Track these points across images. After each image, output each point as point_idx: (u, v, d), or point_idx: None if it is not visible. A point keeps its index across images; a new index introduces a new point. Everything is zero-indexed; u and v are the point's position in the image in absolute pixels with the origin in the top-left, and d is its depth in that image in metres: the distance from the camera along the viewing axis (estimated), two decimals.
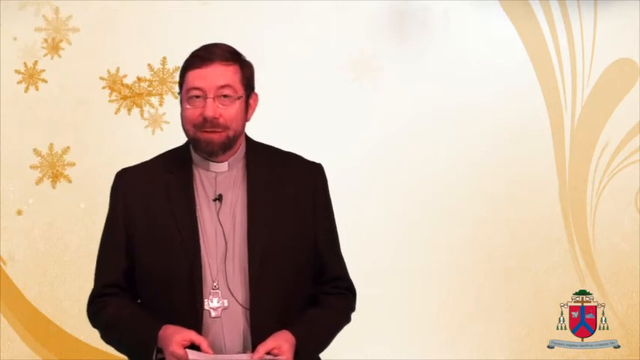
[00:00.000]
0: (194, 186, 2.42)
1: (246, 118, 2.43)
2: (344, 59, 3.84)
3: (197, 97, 2.37)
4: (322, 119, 3.82)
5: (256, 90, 2.47)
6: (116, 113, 3.79)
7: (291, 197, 2.44)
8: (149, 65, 3.79)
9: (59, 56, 3.80)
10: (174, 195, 2.41)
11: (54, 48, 3.76)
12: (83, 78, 3.80)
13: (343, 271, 2.54)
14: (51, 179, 3.78)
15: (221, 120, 2.36)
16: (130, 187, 2.45)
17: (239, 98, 2.39)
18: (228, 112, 2.37)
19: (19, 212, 3.78)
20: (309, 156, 2.55)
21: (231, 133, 2.38)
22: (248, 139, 2.49)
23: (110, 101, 3.80)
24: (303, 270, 2.44)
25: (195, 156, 2.45)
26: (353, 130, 3.84)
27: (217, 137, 2.37)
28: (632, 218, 3.88)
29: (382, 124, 3.85)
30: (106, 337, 2.46)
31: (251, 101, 2.44)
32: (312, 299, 2.47)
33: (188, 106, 2.38)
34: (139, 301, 2.47)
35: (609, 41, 3.88)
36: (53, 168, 3.78)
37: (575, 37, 3.88)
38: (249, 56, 2.45)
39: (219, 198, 2.41)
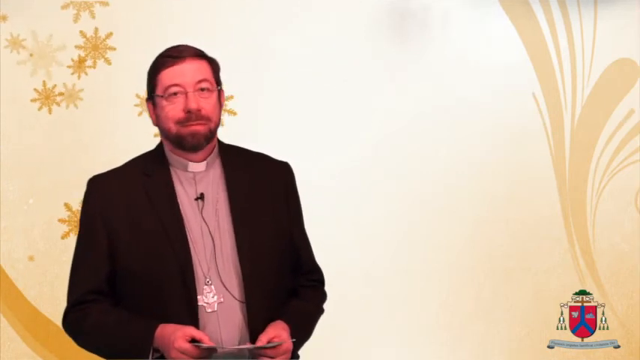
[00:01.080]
0: (174, 187, 2.44)
1: (220, 113, 2.48)
2: (344, 59, 3.83)
3: (175, 94, 2.40)
4: (322, 119, 3.82)
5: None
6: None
7: (267, 194, 2.50)
8: None
9: (93, 67, 3.78)
10: (155, 197, 2.42)
11: (80, 66, 3.76)
12: (87, 80, 3.80)
13: (314, 263, 2.63)
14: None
15: (203, 112, 2.40)
16: (106, 192, 2.46)
17: (215, 91, 2.44)
18: (209, 104, 2.42)
19: (31, 258, 3.78)
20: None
21: (212, 125, 2.43)
22: (218, 141, 2.52)
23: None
24: (285, 263, 2.50)
25: (171, 157, 2.47)
26: (353, 130, 3.84)
27: (202, 129, 2.41)
28: (632, 218, 3.88)
29: (382, 124, 3.85)
30: (90, 344, 2.45)
31: (221, 98, 2.49)
32: (291, 291, 2.53)
33: (166, 104, 2.41)
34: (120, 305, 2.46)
35: (609, 41, 3.88)
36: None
37: (575, 37, 3.88)
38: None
39: (201, 197, 2.43)
